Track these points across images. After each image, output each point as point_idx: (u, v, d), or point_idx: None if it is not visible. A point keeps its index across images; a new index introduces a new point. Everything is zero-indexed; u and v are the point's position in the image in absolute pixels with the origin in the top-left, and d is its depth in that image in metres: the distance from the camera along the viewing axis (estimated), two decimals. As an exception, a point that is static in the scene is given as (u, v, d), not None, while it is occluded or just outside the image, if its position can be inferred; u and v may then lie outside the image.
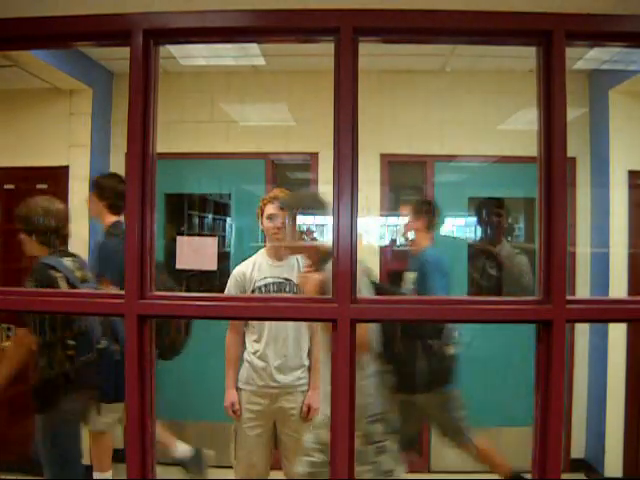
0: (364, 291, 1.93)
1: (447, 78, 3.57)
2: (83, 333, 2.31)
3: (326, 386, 1.93)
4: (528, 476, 2.03)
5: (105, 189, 2.75)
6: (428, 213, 2.87)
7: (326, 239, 2.57)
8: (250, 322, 2.50)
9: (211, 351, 3.01)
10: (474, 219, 3.72)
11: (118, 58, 3.21)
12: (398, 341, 2.27)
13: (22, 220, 2.38)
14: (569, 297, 1.05)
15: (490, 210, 3.38)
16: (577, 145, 3.45)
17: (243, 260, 2.62)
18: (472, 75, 3.53)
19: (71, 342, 2.26)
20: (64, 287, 2.19)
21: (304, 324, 2.48)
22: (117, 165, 3.57)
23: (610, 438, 3.31)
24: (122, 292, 1.08)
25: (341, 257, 1.06)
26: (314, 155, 3.63)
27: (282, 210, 2.39)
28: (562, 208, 1.05)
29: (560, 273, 1.05)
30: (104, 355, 2.35)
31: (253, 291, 2.46)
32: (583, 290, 3.46)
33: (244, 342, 2.54)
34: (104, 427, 2.63)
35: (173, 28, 1.12)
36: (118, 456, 3.49)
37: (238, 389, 2.50)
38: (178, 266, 3.63)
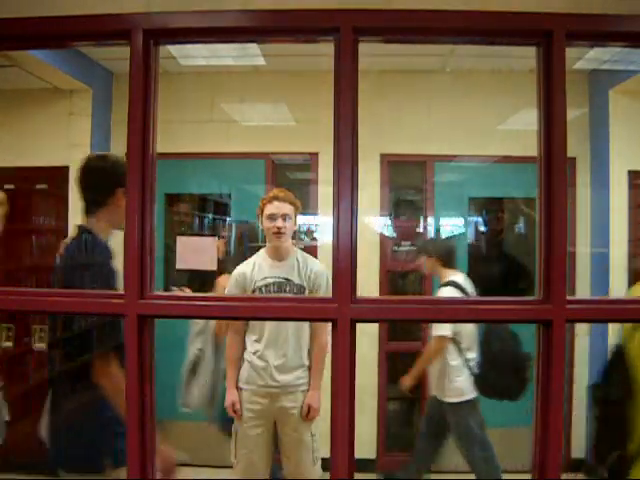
0: None
1: (447, 78, 3.57)
2: None
3: None
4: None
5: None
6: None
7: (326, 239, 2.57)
8: (250, 322, 2.50)
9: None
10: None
11: (118, 58, 3.21)
12: None
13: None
14: (569, 297, 1.05)
15: None
16: (577, 145, 3.44)
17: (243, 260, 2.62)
18: (472, 75, 3.53)
19: None
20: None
21: (305, 324, 2.48)
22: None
23: (610, 438, 3.30)
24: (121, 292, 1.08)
25: (341, 257, 1.06)
26: (314, 155, 3.63)
27: None
28: (562, 208, 1.05)
29: (560, 273, 1.05)
30: None
31: (253, 291, 2.46)
32: (583, 290, 3.46)
33: (245, 342, 2.54)
34: None
35: (173, 28, 1.12)
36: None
37: (239, 389, 2.50)
38: (178, 266, 3.63)
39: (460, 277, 2.86)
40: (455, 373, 2.79)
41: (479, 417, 2.80)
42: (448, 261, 2.93)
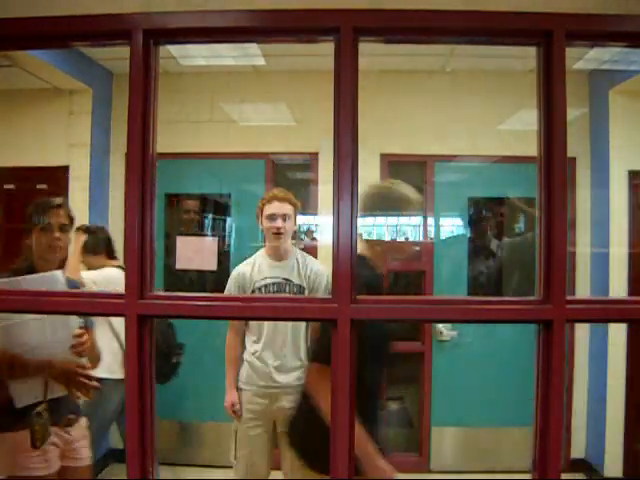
0: None
1: (447, 78, 3.57)
2: None
3: None
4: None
5: None
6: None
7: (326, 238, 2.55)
8: (250, 322, 2.50)
9: (211, 351, 3.02)
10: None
11: (118, 58, 3.22)
12: None
13: None
14: (569, 297, 1.05)
15: None
16: (577, 145, 3.45)
17: (243, 260, 2.62)
18: (472, 75, 3.53)
19: None
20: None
21: (302, 324, 2.48)
22: (117, 165, 3.57)
23: (610, 438, 3.31)
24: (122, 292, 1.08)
25: (341, 257, 1.06)
26: (314, 155, 3.63)
27: None
28: (562, 208, 1.05)
29: (560, 273, 1.05)
30: None
31: (253, 291, 2.46)
32: (583, 290, 3.46)
33: (244, 342, 2.54)
34: None
35: (173, 28, 1.12)
36: (118, 456, 3.51)
37: (238, 389, 2.50)
38: (178, 266, 3.63)
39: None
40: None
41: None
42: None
